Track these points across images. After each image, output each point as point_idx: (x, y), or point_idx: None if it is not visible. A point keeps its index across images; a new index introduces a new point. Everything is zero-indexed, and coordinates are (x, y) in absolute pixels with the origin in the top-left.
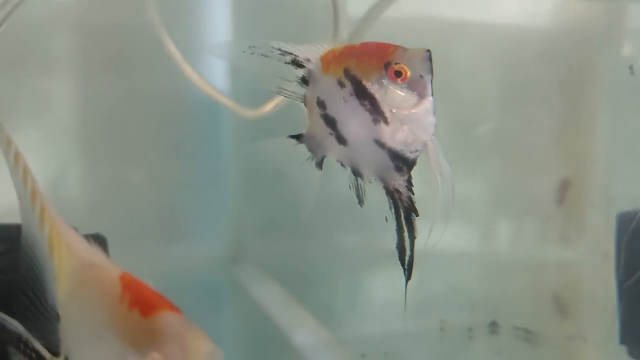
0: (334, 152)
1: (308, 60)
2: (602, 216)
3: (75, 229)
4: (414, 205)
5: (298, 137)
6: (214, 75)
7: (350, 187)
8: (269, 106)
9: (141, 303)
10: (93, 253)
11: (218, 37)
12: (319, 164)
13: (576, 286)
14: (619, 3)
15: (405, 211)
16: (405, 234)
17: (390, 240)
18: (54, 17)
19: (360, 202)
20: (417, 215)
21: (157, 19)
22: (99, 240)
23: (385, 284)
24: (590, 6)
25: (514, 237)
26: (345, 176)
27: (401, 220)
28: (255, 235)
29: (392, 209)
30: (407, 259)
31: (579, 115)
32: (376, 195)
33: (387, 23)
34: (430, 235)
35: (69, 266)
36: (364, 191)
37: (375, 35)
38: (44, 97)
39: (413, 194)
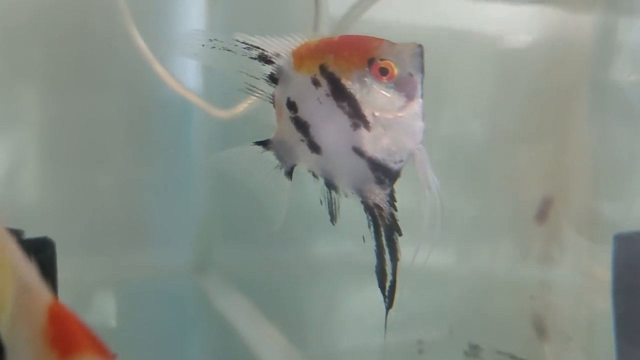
0: (305, 161)
1: (277, 55)
2: (585, 236)
3: (22, 231)
4: (396, 223)
5: (264, 144)
6: (185, 74)
7: (321, 201)
8: (242, 107)
9: (63, 341)
10: (30, 273)
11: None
12: (289, 174)
13: (558, 307)
14: (608, 16)
15: (386, 230)
16: (387, 256)
17: (366, 253)
18: (21, 15)
19: (333, 219)
20: (400, 235)
21: (127, 15)
22: (46, 245)
23: (359, 299)
24: (578, 20)
25: (493, 255)
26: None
27: (382, 241)
28: (223, 243)
29: (372, 227)
30: (388, 284)
31: (563, 131)
32: (353, 206)
33: (367, 26)
34: (415, 256)
35: (12, 291)
36: (338, 207)
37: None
38: (9, 95)
39: (396, 210)
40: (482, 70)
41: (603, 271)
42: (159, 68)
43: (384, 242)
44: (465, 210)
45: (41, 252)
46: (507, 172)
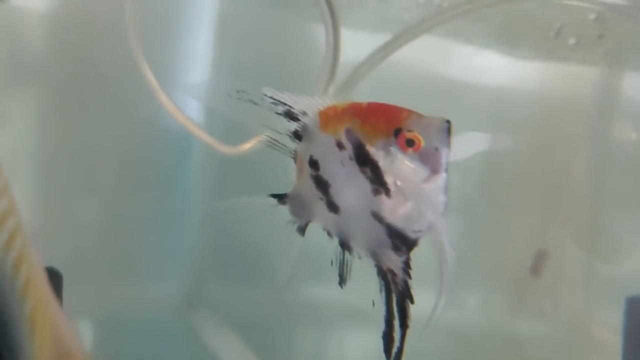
0: (321, 219)
1: (304, 113)
2: (581, 293)
3: None
4: (409, 291)
5: (280, 198)
6: (186, 105)
7: (332, 262)
8: (249, 144)
9: None
10: (71, 336)
11: (197, 68)
12: (302, 230)
13: None
14: (612, 71)
15: (398, 296)
16: (396, 322)
17: (360, 295)
18: (23, 29)
19: (342, 281)
20: (412, 303)
21: (135, 43)
22: (53, 276)
23: (352, 343)
24: (580, 74)
25: (484, 305)
26: (315, 228)
27: (392, 306)
28: (215, 279)
29: (383, 292)
30: (394, 350)
31: (562, 186)
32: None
33: (375, 74)
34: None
35: (49, 354)
36: (350, 269)
37: (363, 85)
38: (4, 117)
39: (410, 277)
40: (480, 120)
41: (600, 331)
42: (164, 99)
43: (395, 308)
44: (457, 257)
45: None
46: (503, 222)
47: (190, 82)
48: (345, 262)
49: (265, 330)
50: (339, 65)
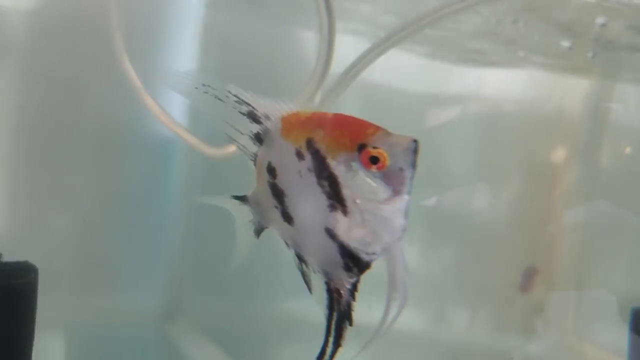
0: (277, 227)
1: (267, 117)
2: (571, 309)
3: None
4: (350, 314)
5: (241, 199)
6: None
7: (297, 268)
8: (233, 147)
9: None
10: None
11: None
12: (257, 232)
13: None
14: (605, 83)
15: (339, 316)
16: (331, 339)
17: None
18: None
19: (309, 289)
20: (350, 325)
21: (120, 42)
22: (28, 270)
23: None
24: (569, 87)
25: (472, 321)
26: None
27: (331, 324)
28: (194, 291)
29: (327, 308)
30: None
31: (551, 201)
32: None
33: (363, 86)
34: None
35: None
36: (310, 279)
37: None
38: None
39: (354, 300)
40: (469, 135)
41: (592, 349)
42: (148, 100)
43: (333, 326)
44: (445, 274)
45: (22, 277)
46: (489, 238)
47: (167, 69)
48: (305, 272)
49: (244, 341)
50: (329, 71)
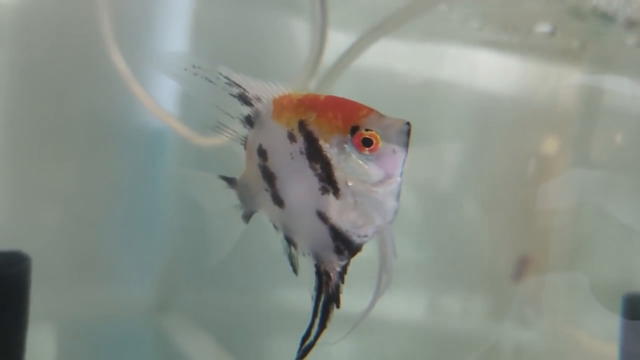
0: (267, 211)
1: (258, 99)
2: (563, 298)
3: None
4: (338, 296)
5: (230, 181)
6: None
7: (283, 252)
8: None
9: None
10: None
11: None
12: (247, 217)
13: None
14: (595, 77)
15: (326, 298)
16: (317, 320)
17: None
18: None
19: (294, 270)
20: (338, 307)
21: (108, 31)
22: (21, 259)
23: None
24: (562, 78)
25: (465, 311)
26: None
27: (318, 306)
28: (187, 283)
29: (315, 290)
30: (307, 343)
31: (543, 190)
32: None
33: (355, 74)
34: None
35: None
36: (297, 261)
37: (342, 84)
38: None
39: (343, 282)
40: (462, 121)
41: (585, 337)
42: (137, 89)
43: (320, 308)
44: (437, 262)
45: (15, 266)
46: (482, 227)
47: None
48: (292, 255)
49: (237, 333)
50: (323, 58)
